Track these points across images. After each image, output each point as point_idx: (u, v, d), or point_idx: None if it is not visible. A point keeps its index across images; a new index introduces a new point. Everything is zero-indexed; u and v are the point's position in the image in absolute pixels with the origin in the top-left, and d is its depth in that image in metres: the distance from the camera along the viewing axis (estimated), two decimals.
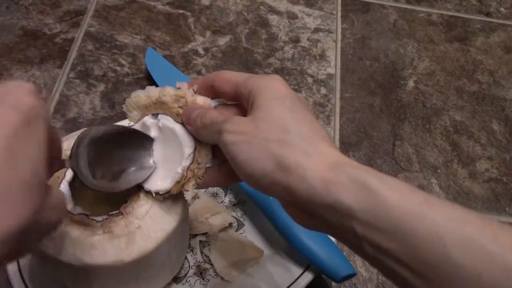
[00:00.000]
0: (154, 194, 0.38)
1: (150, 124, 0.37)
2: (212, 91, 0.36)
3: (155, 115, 0.37)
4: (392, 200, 0.26)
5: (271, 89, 0.32)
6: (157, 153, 0.38)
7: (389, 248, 0.25)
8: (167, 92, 0.36)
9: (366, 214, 0.26)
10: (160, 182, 0.37)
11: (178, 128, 0.36)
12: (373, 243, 0.26)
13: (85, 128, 0.35)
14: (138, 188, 0.38)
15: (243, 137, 0.30)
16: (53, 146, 0.29)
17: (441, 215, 0.25)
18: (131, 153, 0.37)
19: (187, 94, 0.36)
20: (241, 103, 0.34)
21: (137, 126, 0.38)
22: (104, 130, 0.36)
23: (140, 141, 0.37)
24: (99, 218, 0.37)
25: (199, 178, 0.36)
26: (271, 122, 0.30)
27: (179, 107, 0.36)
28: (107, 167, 0.36)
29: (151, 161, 0.38)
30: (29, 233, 0.24)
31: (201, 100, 0.36)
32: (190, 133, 0.36)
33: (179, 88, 0.37)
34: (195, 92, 0.36)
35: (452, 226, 0.24)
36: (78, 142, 0.34)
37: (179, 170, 0.36)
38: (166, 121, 0.36)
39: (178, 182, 0.36)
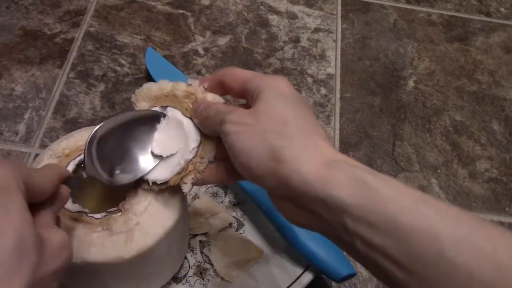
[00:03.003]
0: (151, 183, 0.37)
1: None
2: (221, 88, 0.37)
3: (164, 107, 0.38)
4: (387, 195, 0.26)
5: (276, 87, 0.32)
6: (161, 143, 0.38)
7: (382, 244, 0.25)
8: (180, 87, 0.38)
9: (360, 209, 0.26)
10: (159, 172, 0.37)
11: (185, 121, 0.37)
12: (366, 239, 0.26)
13: (93, 127, 0.36)
14: (136, 185, 0.38)
15: (243, 127, 0.31)
16: (41, 191, 0.29)
17: (436, 213, 0.25)
18: (138, 143, 0.37)
19: (197, 91, 0.37)
20: (247, 100, 0.35)
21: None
22: (111, 125, 0.36)
23: (147, 127, 0.38)
24: (97, 215, 0.37)
25: (199, 172, 0.36)
26: (272, 115, 0.31)
27: (189, 102, 0.37)
28: (116, 161, 0.36)
29: (156, 151, 0.38)
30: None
31: (211, 97, 0.37)
32: (196, 127, 0.37)
33: (190, 84, 0.38)
34: (206, 90, 0.37)
35: (447, 224, 0.25)
36: (89, 144, 0.35)
37: (182, 162, 0.36)
38: (175, 113, 0.37)
39: (178, 173, 0.36)
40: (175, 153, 0.37)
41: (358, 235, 0.26)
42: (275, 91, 0.32)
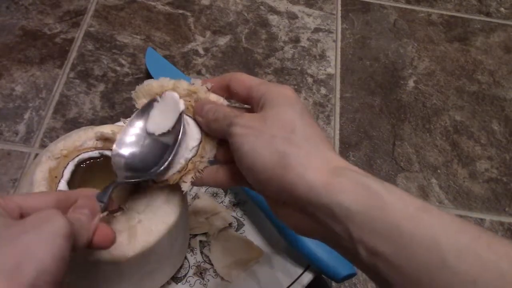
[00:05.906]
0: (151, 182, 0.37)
1: None
2: (227, 91, 0.37)
3: None
4: (391, 202, 0.26)
5: (283, 96, 0.33)
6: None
7: (384, 251, 0.26)
8: (181, 85, 0.37)
9: (364, 215, 0.26)
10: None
11: (186, 119, 0.36)
12: (368, 246, 0.26)
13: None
14: (136, 183, 0.38)
15: (251, 131, 0.31)
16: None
17: (438, 221, 0.25)
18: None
19: (199, 90, 0.37)
20: (252, 107, 0.35)
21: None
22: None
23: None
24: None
25: (198, 172, 0.36)
26: (280, 122, 0.31)
27: (191, 101, 0.37)
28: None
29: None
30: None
31: (214, 98, 0.37)
32: (198, 126, 0.36)
33: (193, 84, 0.37)
34: (209, 90, 0.37)
35: (449, 233, 0.25)
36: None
37: (182, 160, 0.36)
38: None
39: (178, 172, 0.36)
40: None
41: (361, 241, 0.26)
42: (283, 99, 0.32)
